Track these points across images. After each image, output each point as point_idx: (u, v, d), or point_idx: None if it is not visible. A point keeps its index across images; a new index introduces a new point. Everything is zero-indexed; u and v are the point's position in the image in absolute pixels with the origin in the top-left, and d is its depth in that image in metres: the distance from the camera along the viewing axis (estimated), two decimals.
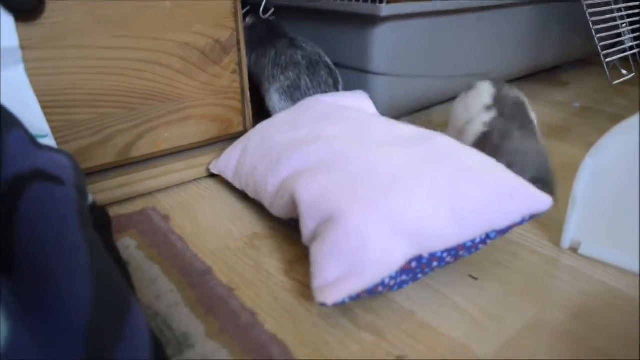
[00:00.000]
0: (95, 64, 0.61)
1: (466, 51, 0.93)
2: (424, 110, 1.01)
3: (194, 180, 0.73)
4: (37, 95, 0.57)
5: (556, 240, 0.55)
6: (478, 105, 0.69)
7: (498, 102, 0.67)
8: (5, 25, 0.53)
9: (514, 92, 0.70)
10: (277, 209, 0.56)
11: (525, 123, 0.65)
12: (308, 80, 0.78)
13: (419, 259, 0.45)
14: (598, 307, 0.46)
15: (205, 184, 0.72)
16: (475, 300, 0.47)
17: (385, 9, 0.71)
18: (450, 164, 0.49)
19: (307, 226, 0.48)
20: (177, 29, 0.65)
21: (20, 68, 0.56)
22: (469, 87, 0.74)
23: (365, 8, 0.73)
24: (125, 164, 0.68)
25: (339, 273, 0.43)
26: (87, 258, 0.36)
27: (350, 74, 0.83)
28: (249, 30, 0.87)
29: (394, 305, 0.46)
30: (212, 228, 0.60)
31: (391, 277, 0.43)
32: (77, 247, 0.36)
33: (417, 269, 0.45)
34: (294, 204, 0.51)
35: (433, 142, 0.54)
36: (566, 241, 0.54)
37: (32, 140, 0.45)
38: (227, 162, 0.69)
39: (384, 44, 0.77)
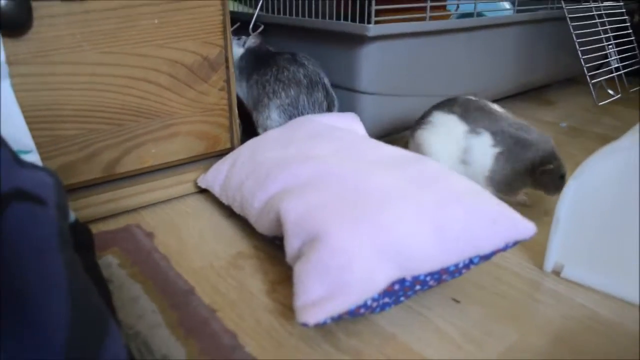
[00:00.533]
0: (82, 80, 0.61)
1: (456, 70, 0.94)
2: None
3: (180, 197, 0.73)
4: (23, 111, 0.56)
5: (540, 263, 0.56)
6: (458, 133, 0.68)
7: (475, 121, 0.68)
8: None
9: (476, 103, 0.70)
10: (262, 226, 0.56)
11: (518, 121, 0.69)
12: (306, 100, 0.78)
13: (402, 281, 0.45)
14: (579, 331, 0.46)
15: (191, 201, 0.72)
16: (457, 323, 0.47)
17: (373, 29, 0.72)
18: (437, 188, 0.49)
19: (291, 245, 0.48)
20: (165, 46, 0.65)
21: (7, 83, 0.55)
22: (422, 124, 0.72)
23: (353, 28, 0.74)
24: (111, 180, 0.68)
25: (322, 293, 0.42)
26: (66, 280, 0.35)
27: (338, 92, 0.83)
28: (248, 54, 0.87)
29: (377, 328, 0.46)
30: (196, 246, 0.60)
31: (373, 299, 0.43)
32: (56, 269, 0.36)
33: (400, 291, 0.45)
34: (279, 222, 0.51)
35: (422, 165, 0.54)
36: (549, 264, 0.54)
37: (14, 158, 0.45)
38: (216, 176, 0.69)
39: (372, 64, 0.78)
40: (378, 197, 0.48)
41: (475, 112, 0.69)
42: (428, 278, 0.45)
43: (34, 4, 0.55)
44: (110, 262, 0.56)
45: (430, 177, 0.51)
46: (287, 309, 0.49)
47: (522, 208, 0.69)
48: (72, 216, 0.51)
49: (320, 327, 0.46)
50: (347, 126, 0.72)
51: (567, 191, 0.51)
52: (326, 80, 0.80)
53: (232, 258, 0.57)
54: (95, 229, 0.64)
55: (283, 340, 0.45)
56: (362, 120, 0.79)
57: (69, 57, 0.59)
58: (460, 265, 0.46)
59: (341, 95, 0.83)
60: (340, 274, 0.42)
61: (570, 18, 1.00)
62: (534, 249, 0.59)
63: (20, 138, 0.57)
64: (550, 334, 0.45)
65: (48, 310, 0.33)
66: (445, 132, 0.69)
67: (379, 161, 0.57)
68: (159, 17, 0.64)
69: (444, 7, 0.91)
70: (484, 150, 0.66)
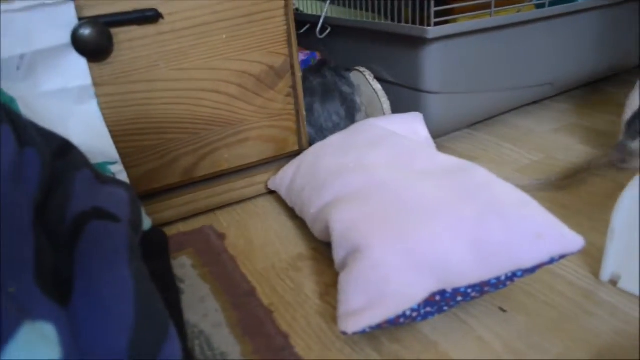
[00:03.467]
0: (160, 95, 0.67)
1: (527, 62, 0.90)
2: (485, 121, 1.00)
3: (252, 198, 0.78)
4: (109, 126, 0.64)
5: (598, 271, 0.54)
6: None
7: None
8: (79, 66, 0.61)
9: None
10: (316, 232, 0.60)
11: None
12: (319, 107, 0.84)
13: (442, 292, 0.46)
14: (629, 348, 0.45)
15: (261, 202, 0.77)
16: (501, 334, 0.48)
17: (432, 32, 0.72)
18: (480, 200, 0.50)
19: (337, 255, 0.52)
20: (233, 59, 0.70)
21: (94, 103, 0.63)
22: None
23: (413, 30, 0.74)
24: (189, 184, 0.74)
25: (361, 303, 0.45)
26: (133, 288, 0.41)
27: (404, 91, 0.84)
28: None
29: (419, 335, 0.48)
30: (262, 247, 0.65)
31: (413, 310, 0.45)
32: (125, 280, 0.41)
33: (442, 302, 0.47)
34: (329, 231, 0.55)
35: (469, 175, 0.54)
36: (606, 274, 0.53)
37: (97, 176, 0.51)
38: (282, 179, 0.74)
39: (435, 64, 0.78)
40: (419, 210, 0.50)
41: None
42: (469, 290, 0.47)
43: (113, 31, 0.61)
44: (184, 262, 0.62)
45: (475, 188, 0.52)
46: (335, 310, 0.52)
47: (584, 215, 0.67)
48: (149, 223, 0.57)
49: (367, 334, 0.49)
50: (408, 129, 0.73)
51: (623, 201, 0.49)
52: (345, 88, 0.85)
53: (292, 259, 0.62)
54: (175, 229, 0.71)
55: (329, 343, 0.48)
56: (428, 118, 0.79)
57: (146, 75, 0.65)
58: (503, 278, 0.46)
59: (406, 94, 0.84)
60: (379, 286, 0.45)
61: None
62: (594, 256, 0.57)
63: (107, 151, 0.64)
64: (595, 350, 0.45)
65: (115, 314, 0.39)
66: None
67: (428, 171, 0.58)
68: (227, 32, 0.68)
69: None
70: None
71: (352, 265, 0.48)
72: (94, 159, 0.61)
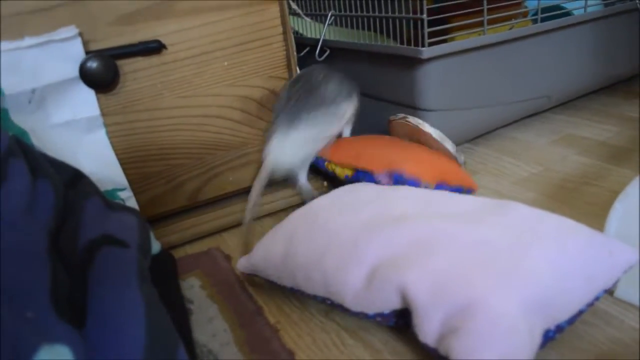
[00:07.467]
0: (164, 123, 0.69)
1: (523, 76, 0.92)
2: (484, 135, 1.01)
3: (257, 218, 0.80)
4: (117, 154, 0.66)
5: None
6: None
7: None
8: (88, 98, 0.63)
9: None
10: (372, 303, 0.49)
11: None
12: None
13: (546, 333, 0.44)
14: (625, 356, 0.46)
15: (266, 222, 0.79)
16: None
17: (426, 52, 0.74)
18: (547, 231, 0.49)
19: (430, 320, 0.44)
20: (235, 84, 0.73)
21: (102, 132, 0.65)
22: None
23: (408, 51, 0.76)
24: (195, 207, 0.76)
25: None
26: (144, 311, 0.43)
27: (403, 110, 0.86)
28: None
29: (404, 339, 0.50)
30: None
31: None
32: (136, 303, 0.43)
33: (543, 344, 0.44)
34: (398, 296, 0.47)
35: (513, 211, 0.53)
36: None
37: (106, 204, 0.53)
38: (266, 256, 0.58)
39: (432, 82, 0.80)
40: (502, 252, 0.47)
41: None
42: (565, 324, 0.45)
43: (118, 63, 0.64)
44: (192, 284, 0.64)
45: (532, 222, 0.50)
46: (341, 328, 0.54)
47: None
48: (157, 247, 0.59)
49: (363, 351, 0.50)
50: None
51: (615, 213, 0.51)
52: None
53: None
54: (182, 252, 0.73)
55: (333, 358, 0.50)
56: None
57: (151, 104, 0.68)
58: (591, 302, 0.46)
59: (404, 112, 0.86)
60: (509, 338, 0.40)
61: None
62: None
63: (116, 178, 0.67)
64: (593, 358, 0.46)
65: (129, 337, 0.41)
66: None
67: (465, 212, 0.55)
68: (228, 59, 0.71)
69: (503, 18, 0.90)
70: None
71: (467, 324, 0.41)
72: (104, 186, 0.63)
